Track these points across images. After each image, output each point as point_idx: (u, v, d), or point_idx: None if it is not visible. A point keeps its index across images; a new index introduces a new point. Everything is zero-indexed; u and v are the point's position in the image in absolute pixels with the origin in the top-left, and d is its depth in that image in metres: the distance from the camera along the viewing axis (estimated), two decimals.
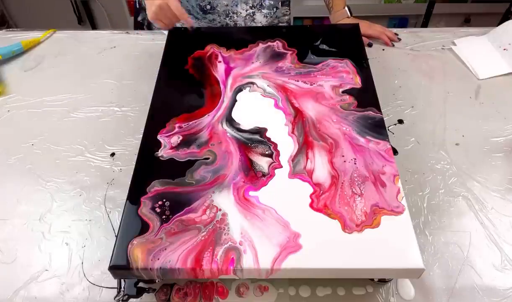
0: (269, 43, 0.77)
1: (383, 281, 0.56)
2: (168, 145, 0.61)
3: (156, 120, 0.64)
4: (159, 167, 0.58)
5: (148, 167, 0.58)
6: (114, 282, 0.57)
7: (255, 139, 0.61)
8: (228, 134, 0.62)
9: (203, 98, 0.68)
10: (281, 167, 0.57)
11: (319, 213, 0.52)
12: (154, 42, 0.96)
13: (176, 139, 0.61)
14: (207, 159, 0.59)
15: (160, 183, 0.56)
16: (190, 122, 0.64)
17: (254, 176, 0.56)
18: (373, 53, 0.92)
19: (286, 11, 1.01)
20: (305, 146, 0.60)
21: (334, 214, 0.52)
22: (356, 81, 0.69)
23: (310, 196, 0.54)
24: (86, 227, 0.63)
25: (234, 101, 0.67)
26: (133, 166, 0.58)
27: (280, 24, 1.01)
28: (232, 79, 0.71)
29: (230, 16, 0.95)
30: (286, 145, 0.60)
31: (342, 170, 0.56)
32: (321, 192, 0.54)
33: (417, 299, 0.55)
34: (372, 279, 0.56)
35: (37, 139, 0.76)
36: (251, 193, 0.54)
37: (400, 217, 0.51)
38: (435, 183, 0.67)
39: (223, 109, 0.66)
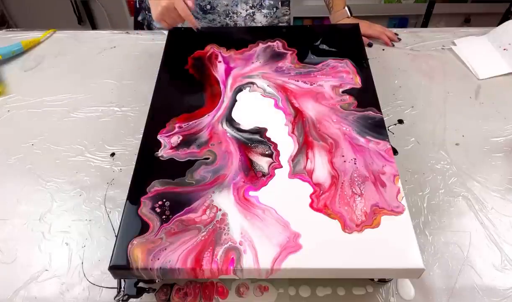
0: (269, 43, 0.77)
1: (383, 281, 0.56)
2: (168, 145, 0.61)
3: (156, 120, 0.64)
4: (159, 167, 0.58)
5: (148, 167, 0.58)
6: (114, 282, 0.57)
7: (255, 139, 0.61)
8: (228, 134, 0.62)
9: (203, 98, 0.68)
10: (281, 167, 0.57)
11: (319, 213, 0.52)
12: (154, 42, 0.96)
13: (176, 139, 0.61)
14: (207, 159, 0.59)
15: (160, 183, 0.56)
16: (190, 122, 0.64)
17: (254, 176, 0.56)
18: (373, 53, 0.92)
19: (286, 11, 1.01)
20: (305, 146, 0.60)
21: (334, 214, 0.52)
22: (356, 81, 0.69)
23: (310, 196, 0.54)
24: (86, 227, 0.63)
25: (234, 101, 0.67)
26: (133, 166, 0.58)
27: (280, 24, 1.01)
28: (232, 79, 0.71)
29: (230, 16, 0.95)
30: (286, 145, 0.60)
31: (342, 170, 0.56)
32: (321, 192, 0.54)
33: (417, 299, 0.55)
34: (372, 279, 0.56)
35: (37, 139, 0.76)
36: (251, 193, 0.54)
37: (400, 217, 0.51)
38: (435, 183, 0.67)
39: (223, 109, 0.66)
